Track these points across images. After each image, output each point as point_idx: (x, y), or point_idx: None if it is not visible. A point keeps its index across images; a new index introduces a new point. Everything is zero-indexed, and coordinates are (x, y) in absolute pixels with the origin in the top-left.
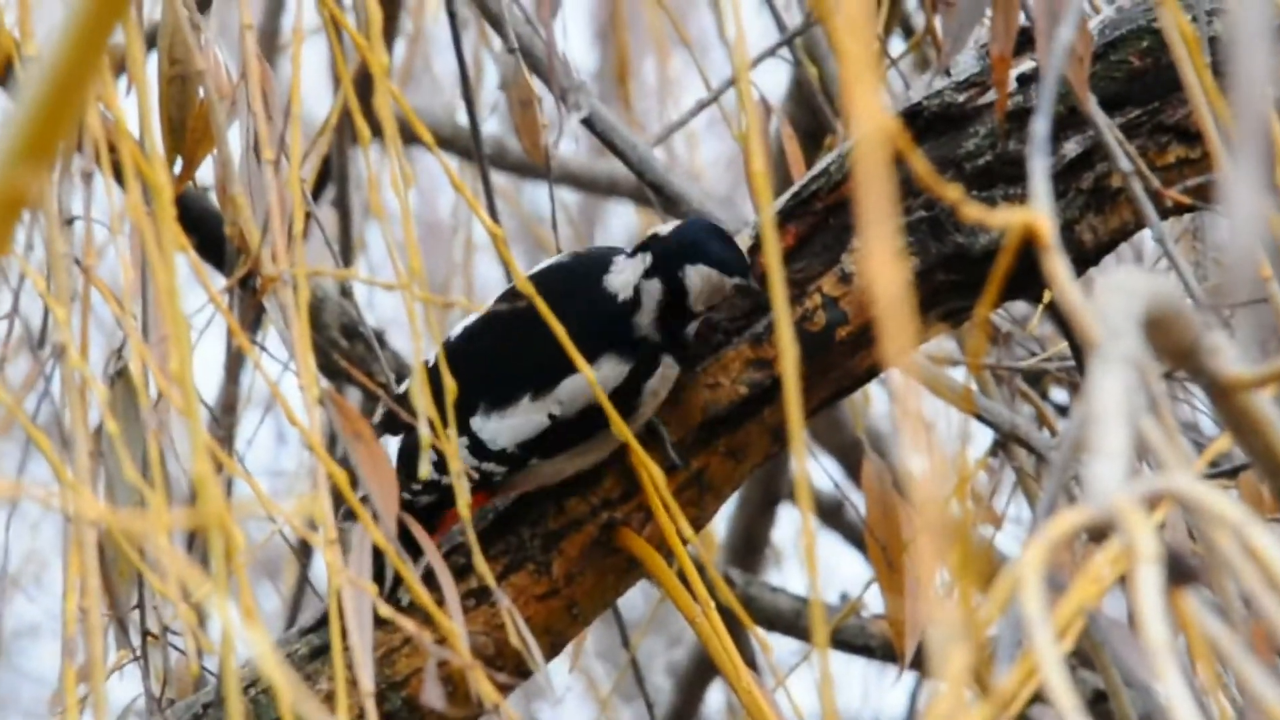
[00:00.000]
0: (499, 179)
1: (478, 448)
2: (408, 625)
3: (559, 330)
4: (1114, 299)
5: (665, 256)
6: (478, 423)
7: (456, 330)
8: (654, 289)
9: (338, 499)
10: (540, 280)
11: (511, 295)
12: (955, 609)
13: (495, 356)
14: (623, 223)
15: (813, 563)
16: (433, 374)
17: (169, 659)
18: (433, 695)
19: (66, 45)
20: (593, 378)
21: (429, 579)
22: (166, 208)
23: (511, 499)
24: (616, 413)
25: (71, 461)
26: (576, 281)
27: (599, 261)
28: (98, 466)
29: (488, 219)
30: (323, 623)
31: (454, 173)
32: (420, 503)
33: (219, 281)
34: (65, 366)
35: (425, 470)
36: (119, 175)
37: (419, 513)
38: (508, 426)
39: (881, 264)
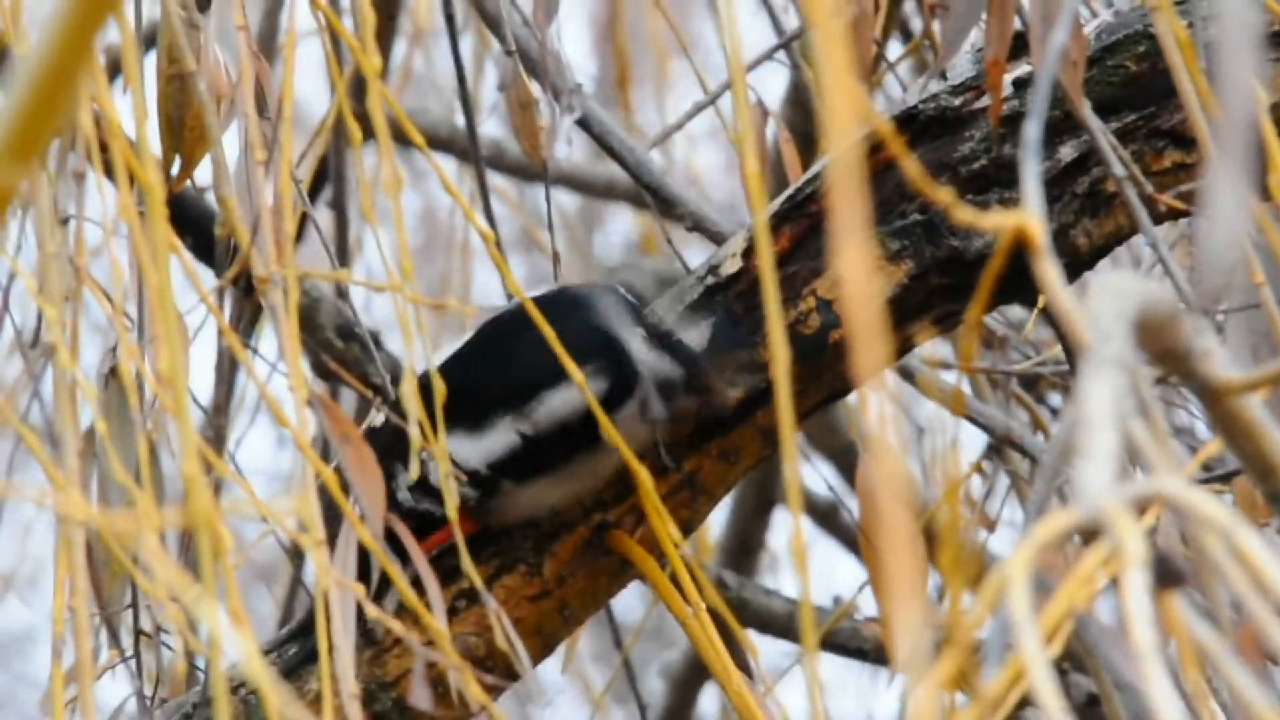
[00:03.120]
0: (498, 181)
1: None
2: (394, 625)
3: (550, 335)
4: (1105, 302)
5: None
6: (453, 445)
7: (445, 354)
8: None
9: (329, 501)
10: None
11: (494, 321)
12: (945, 612)
13: (474, 377)
14: (620, 226)
15: (802, 564)
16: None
17: (161, 659)
18: (420, 696)
19: (55, 39)
20: (583, 383)
21: (422, 583)
22: (158, 207)
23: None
24: (588, 436)
25: (61, 462)
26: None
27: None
28: (89, 467)
29: (479, 221)
30: (310, 625)
31: (446, 175)
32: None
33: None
34: (56, 366)
35: (415, 470)
36: (112, 175)
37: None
38: (480, 447)
39: (856, 276)
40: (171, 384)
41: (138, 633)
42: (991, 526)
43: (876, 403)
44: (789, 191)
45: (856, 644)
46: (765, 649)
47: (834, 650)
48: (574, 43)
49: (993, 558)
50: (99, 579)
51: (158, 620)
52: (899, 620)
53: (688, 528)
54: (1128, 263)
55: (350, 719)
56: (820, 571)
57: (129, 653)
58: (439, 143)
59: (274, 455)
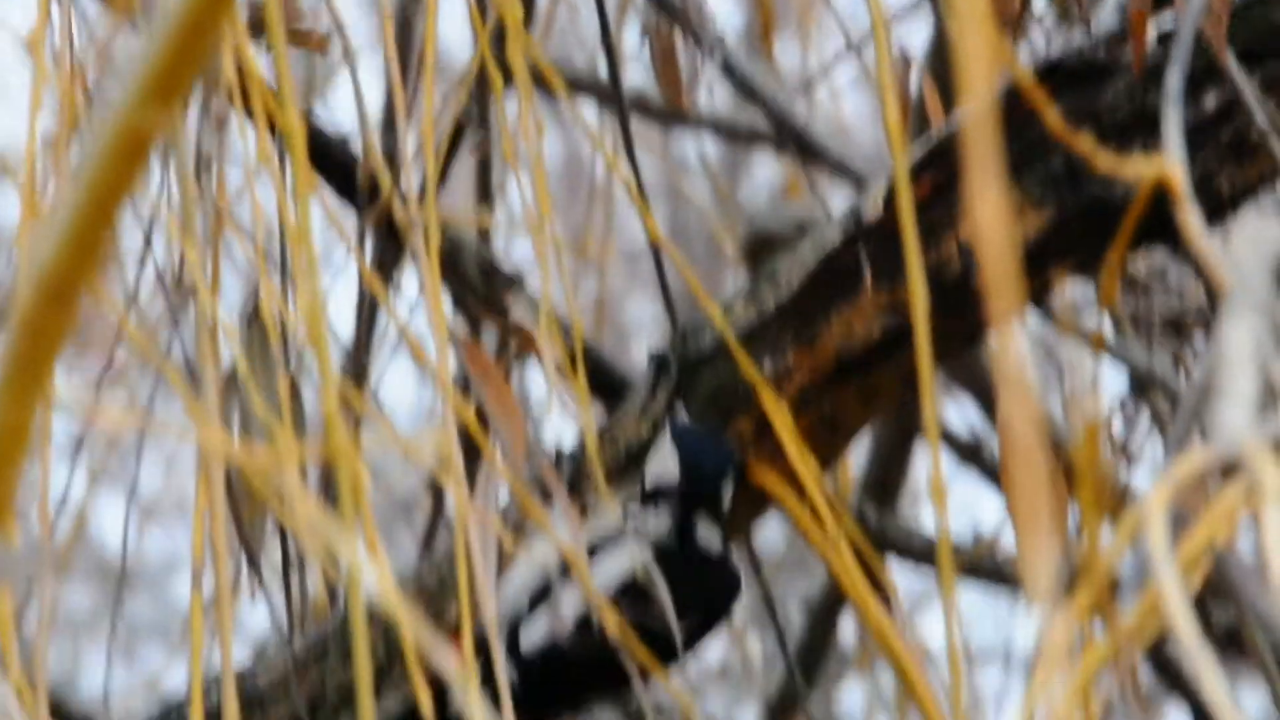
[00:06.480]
0: (641, 127)
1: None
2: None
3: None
4: (1246, 247)
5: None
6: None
7: None
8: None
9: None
10: None
11: None
12: (1083, 546)
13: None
14: (765, 172)
15: (941, 499)
16: None
17: (303, 589)
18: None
19: None
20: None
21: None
22: (299, 150)
23: None
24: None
25: (202, 398)
26: None
27: None
28: (230, 405)
29: (622, 167)
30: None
31: (588, 121)
32: None
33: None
34: (198, 306)
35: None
36: (253, 119)
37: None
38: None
39: (995, 221)
40: (312, 320)
41: (286, 558)
42: (1132, 461)
43: (1015, 342)
44: (931, 139)
45: (995, 568)
46: (904, 578)
47: (974, 575)
48: None
49: (1133, 494)
50: (239, 512)
51: (298, 551)
52: (1036, 553)
53: (824, 463)
54: (1271, 207)
55: (493, 647)
56: (962, 505)
57: (268, 583)
58: (581, 89)
59: (415, 393)
